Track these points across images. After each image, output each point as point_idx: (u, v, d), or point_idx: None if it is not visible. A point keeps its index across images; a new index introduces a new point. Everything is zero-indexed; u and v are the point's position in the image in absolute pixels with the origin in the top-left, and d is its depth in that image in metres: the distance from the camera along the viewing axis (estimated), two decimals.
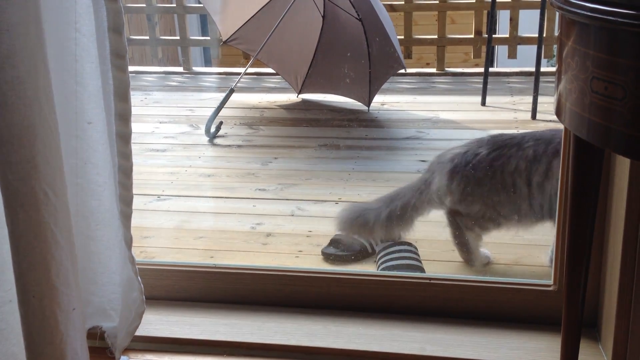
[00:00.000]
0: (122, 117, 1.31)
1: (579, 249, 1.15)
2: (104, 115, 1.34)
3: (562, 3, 0.91)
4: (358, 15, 3.36)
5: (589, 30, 0.87)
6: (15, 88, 1.11)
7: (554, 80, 1.03)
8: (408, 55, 4.13)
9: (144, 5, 4.44)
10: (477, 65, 4.36)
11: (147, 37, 4.49)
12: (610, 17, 0.82)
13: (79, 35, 1.31)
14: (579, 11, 0.87)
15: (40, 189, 1.16)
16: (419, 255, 2.05)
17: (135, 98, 3.88)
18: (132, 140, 1.35)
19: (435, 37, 4.09)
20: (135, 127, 1.34)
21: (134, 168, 1.37)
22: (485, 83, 3.61)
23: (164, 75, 4.49)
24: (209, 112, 3.38)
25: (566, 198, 1.41)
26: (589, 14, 0.85)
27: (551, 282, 1.56)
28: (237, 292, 1.67)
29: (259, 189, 2.72)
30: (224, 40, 3.70)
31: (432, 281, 1.62)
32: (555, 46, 3.91)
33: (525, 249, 2.10)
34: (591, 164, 1.08)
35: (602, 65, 0.85)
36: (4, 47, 1.08)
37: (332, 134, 3.40)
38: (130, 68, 1.31)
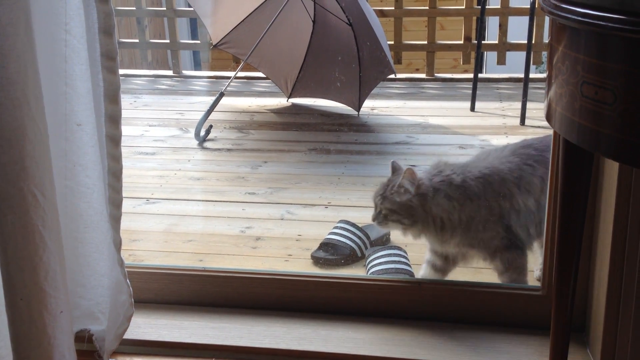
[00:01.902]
0: (112, 119, 1.31)
1: (567, 254, 1.16)
2: (93, 117, 1.34)
3: (553, 8, 0.92)
4: (348, 20, 3.36)
5: (580, 35, 0.88)
6: (4, 89, 1.10)
7: (542, 86, 1.04)
8: (398, 61, 4.14)
9: (134, 8, 4.43)
10: (466, 71, 4.38)
11: (137, 40, 4.47)
12: (601, 22, 0.82)
13: (69, 37, 1.30)
14: (569, 16, 0.88)
15: (28, 191, 1.16)
16: (408, 259, 2.05)
17: (125, 101, 3.84)
18: (122, 143, 1.35)
19: (425, 42, 4.10)
20: (124, 130, 1.34)
21: (123, 171, 1.37)
22: (474, 89, 3.62)
23: (153, 78, 4.47)
24: (199, 115, 3.37)
25: (555, 202, 1.42)
26: (579, 18, 0.86)
27: (540, 286, 1.56)
28: (226, 295, 1.67)
29: (249, 193, 2.71)
30: (214, 44, 3.70)
31: (422, 285, 1.63)
32: (544, 53, 3.94)
33: None
34: (580, 168, 1.09)
35: (593, 70, 0.86)
36: None
37: (322, 138, 3.40)
38: (120, 71, 1.30)
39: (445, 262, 1.81)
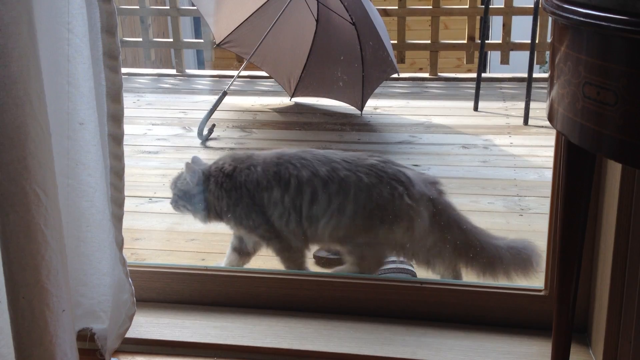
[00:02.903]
0: (115, 118, 1.31)
1: (570, 254, 1.16)
2: (96, 116, 1.34)
3: (556, 8, 0.92)
4: (352, 19, 3.36)
5: (582, 36, 0.88)
6: (7, 87, 1.10)
7: (546, 86, 1.04)
8: (401, 60, 4.14)
9: (137, 7, 4.43)
10: (469, 71, 4.37)
11: (140, 39, 4.47)
12: (603, 23, 0.82)
13: (72, 36, 1.30)
14: (572, 16, 0.88)
15: (31, 190, 1.16)
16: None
17: (128, 100, 3.85)
18: (124, 142, 1.35)
19: (429, 42, 4.10)
20: (127, 129, 1.34)
21: (126, 170, 1.37)
22: (477, 88, 3.62)
23: (156, 77, 4.47)
24: (202, 114, 3.37)
25: (557, 203, 1.42)
26: (582, 19, 0.86)
27: (542, 287, 1.56)
28: (228, 294, 1.67)
29: None
30: (217, 43, 3.70)
31: (423, 285, 1.62)
32: (547, 52, 3.93)
33: None
34: (583, 169, 1.09)
35: (595, 71, 0.86)
36: None
37: (324, 137, 3.40)
38: (123, 70, 1.30)
39: (250, 246, 1.95)
